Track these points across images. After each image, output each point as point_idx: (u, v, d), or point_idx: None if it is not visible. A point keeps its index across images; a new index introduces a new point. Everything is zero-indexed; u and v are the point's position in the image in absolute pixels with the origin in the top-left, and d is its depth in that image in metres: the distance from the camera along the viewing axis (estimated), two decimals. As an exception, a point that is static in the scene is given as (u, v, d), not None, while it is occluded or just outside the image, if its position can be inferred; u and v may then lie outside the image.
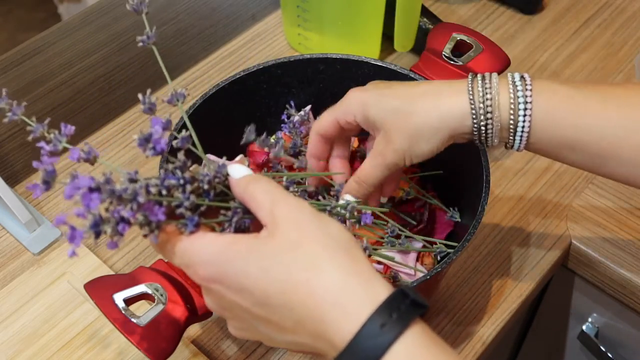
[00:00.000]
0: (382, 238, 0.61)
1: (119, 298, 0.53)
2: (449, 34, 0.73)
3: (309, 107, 0.70)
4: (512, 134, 0.50)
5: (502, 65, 0.73)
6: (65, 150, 0.43)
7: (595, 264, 0.72)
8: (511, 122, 0.50)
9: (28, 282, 0.69)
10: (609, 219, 0.73)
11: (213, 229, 0.43)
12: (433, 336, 0.37)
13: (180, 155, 0.41)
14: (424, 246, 0.62)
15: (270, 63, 0.67)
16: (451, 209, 0.63)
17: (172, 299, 0.53)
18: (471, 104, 0.50)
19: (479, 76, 0.51)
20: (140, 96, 0.44)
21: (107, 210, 0.38)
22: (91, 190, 0.37)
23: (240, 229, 0.44)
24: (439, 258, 0.62)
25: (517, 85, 0.49)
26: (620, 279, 0.70)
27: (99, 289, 0.53)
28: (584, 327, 0.83)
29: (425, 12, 0.88)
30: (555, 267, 0.73)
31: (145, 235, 0.40)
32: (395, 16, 0.80)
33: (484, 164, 0.59)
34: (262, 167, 0.68)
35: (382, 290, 0.37)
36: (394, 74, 0.66)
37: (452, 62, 0.70)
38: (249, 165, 0.48)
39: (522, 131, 0.50)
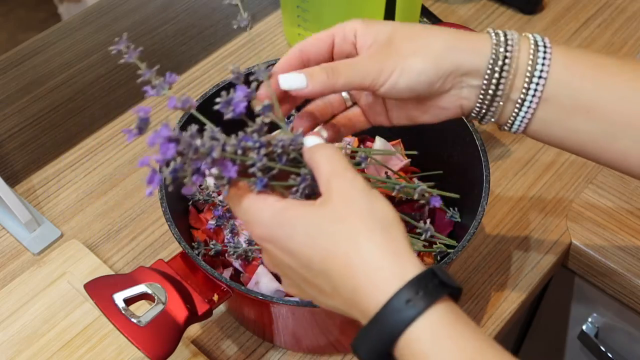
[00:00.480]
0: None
1: (119, 298, 0.53)
2: (449, 34, 0.73)
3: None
4: (527, 83, 0.46)
5: (502, 65, 0.73)
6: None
7: (595, 264, 0.72)
8: (529, 63, 0.46)
9: (28, 282, 0.69)
10: (609, 219, 0.74)
11: (282, 193, 0.45)
12: (459, 315, 0.39)
13: (258, 120, 0.44)
14: (424, 246, 0.62)
15: (270, 63, 0.67)
16: (451, 209, 0.63)
17: (172, 299, 0.53)
18: (493, 38, 0.46)
19: (500, 31, 0.48)
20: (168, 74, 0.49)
21: (184, 162, 0.41)
22: (170, 140, 0.40)
23: (308, 196, 0.46)
24: (439, 258, 0.62)
25: (536, 38, 0.47)
26: (620, 279, 0.70)
27: (99, 289, 0.53)
28: (584, 327, 0.83)
29: (425, 12, 0.88)
30: (555, 267, 0.73)
31: (219, 189, 0.43)
32: (395, 16, 0.80)
33: (484, 164, 0.59)
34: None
35: (413, 269, 0.39)
36: (394, 74, 0.66)
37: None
38: (327, 139, 0.49)
39: (540, 77, 0.45)
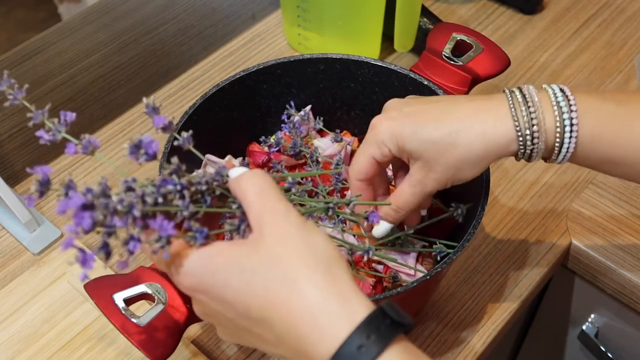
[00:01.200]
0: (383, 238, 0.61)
1: (119, 298, 0.53)
2: (449, 34, 0.73)
3: (309, 107, 0.70)
4: (556, 154, 0.50)
5: (502, 65, 0.73)
6: (64, 143, 0.42)
7: (595, 264, 0.72)
8: (557, 144, 0.49)
9: (28, 282, 0.69)
10: (609, 219, 0.73)
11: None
12: (415, 353, 0.37)
13: (174, 159, 0.40)
14: (424, 246, 0.62)
15: (270, 63, 0.67)
16: (456, 211, 0.63)
17: (172, 299, 0.53)
18: (517, 130, 0.49)
19: (518, 93, 0.49)
20: (144, 100, 0.43)
21: (102, 225, 0.37)
22: (84, 207, 0.36)
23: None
24: (439, 258, 0.62)
25: (561, 106, 0.48)
26: (620, 279, 0.70)
27: (99, 289, 0.53)
28: (584, 327, 0.83)
29: (425, 12, 0.88)
30: (555, 267, 0.73)
31: (153, 252, 0.39)
32: (395, 16, 0.80)
33: (484, 164, 0.59)
34: (262, 167, 0.68)
35: (361, 310, 0.37)
36: (394, 74, 0.66)
37: (452, 62, 0.70)
38: (248, 166, 0.48)
39: (567, 151, 0.49)
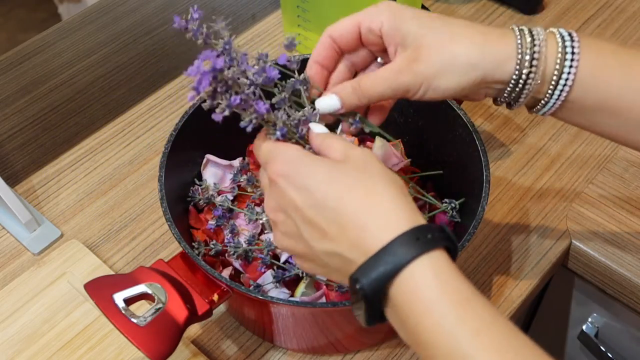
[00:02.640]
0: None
1: (119, 298, 0.53)
2: (449, 34, 0.73)
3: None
4: (552, 88, 0.48)
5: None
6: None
7: (595, 264, 0.72)
8: (555, 73, 0.47)
9: (28, 282, 0.69)
10: (609, 219, 0.73)
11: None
12: (456, 266, 0.41)
13: (286, 90, 0.49)
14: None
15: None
16: (450, 208, 0.63)
17: (172, 299, 0.53)
18: (518, 48, 0.47)
19: (524, 26, 0.48)
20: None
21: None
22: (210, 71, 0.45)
23: None
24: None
25: (564, 38, 0.47)
26: (620, 279, 0.70)
27: (99, 289, 0.53)
28: (584, 327, 0.83)
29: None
30: (555, 267, 0.73)
31: (244, 124, 0.46)
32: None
33: (484, 164, 0.59)
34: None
35: (423, 220, 0.41)
36: (394, 74, 0.66)
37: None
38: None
39: (565, 84, 0.47)
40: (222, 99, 0.45)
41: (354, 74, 0.53)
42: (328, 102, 0.50)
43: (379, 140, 0.68)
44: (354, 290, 0.41)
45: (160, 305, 0.53)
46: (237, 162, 0.68)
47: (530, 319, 0.91)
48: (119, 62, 0.92)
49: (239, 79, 0.46)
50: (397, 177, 0.43)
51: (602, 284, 0.73)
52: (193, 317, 0.54)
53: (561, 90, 0.48)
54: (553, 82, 0.47)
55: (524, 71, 0.47)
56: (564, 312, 0.85)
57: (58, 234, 0.74)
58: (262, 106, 0.46)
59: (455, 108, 0.63)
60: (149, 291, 0.54)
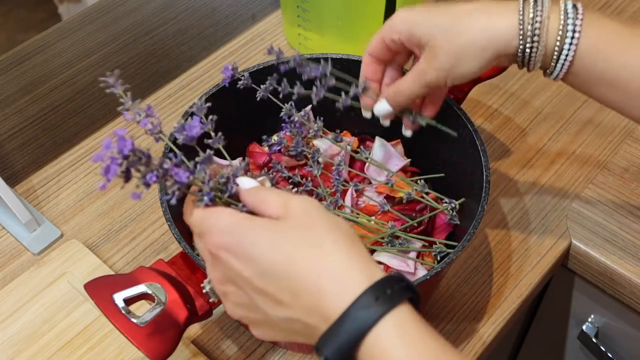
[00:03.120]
0: (383, 238, 0.61)
1: (119, 298, 0.53)
2: (449, 34, 0.73)
3: (309, 107, 0.70)
4: (554, 61, 0.51)
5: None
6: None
7: (595, 264, 0.72)
8: (556, 49, 0.50)
9: (28, 282, 0.69)
10: (609, 219, 0.73)
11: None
12: (421, 318, 0.39)
13: (207, 153, 0.47)
14: (423, 246, 0.62)
15: (270, 63, 0.67)
16: (449, 205, 0.63)
17: (172, 299, 0.53)
18: (520, 25, 0.50)
19: None
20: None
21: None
22: (124, 139, 0.43)
23: None
24: (439, 258, 0.62)
25: (568, 13, 0.50)
26: (620, 279, 0.70)
27: (99, 289, 0.53)
28: (584, 327, 0.83)
29: (425, 12, 0.88)
30: (555, 267, 0.73)
31: (167, 195, 0.44)
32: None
33: (484, 164, 0.59)
34: (262, 167, 0.68)
35: (379, 273, 0.40)
36: (394, 74, 0.66)
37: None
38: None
39: (565, 60, 0.50)
40: (137, 175, 0.43)
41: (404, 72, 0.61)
42: (381, 107, 0.59)
43: (378, 141, 0.68)
44: (321, 356, 0.39)
45: (160, 305, 0.53)
46: (237, 162, 0.68)
47: (530, 319, 0.91)
48: (119, 62, 0.92)
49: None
50: (343, 222, 0.42)
51: (602, 284, 0.73)
52: (193, 317, 0.54)
53: (562, 64, 0.51)
54: (555, 56, 0.51)
55: (527, 46, 0.51)
56: (564, 312, 0.85)
57: (58, 234, 0.74)
58: (183, 175, 0.44)
59: (455, 108, 0.63)
60: (149, 291, 0.53)
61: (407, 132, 0.62)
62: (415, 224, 0.63)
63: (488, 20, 0.51)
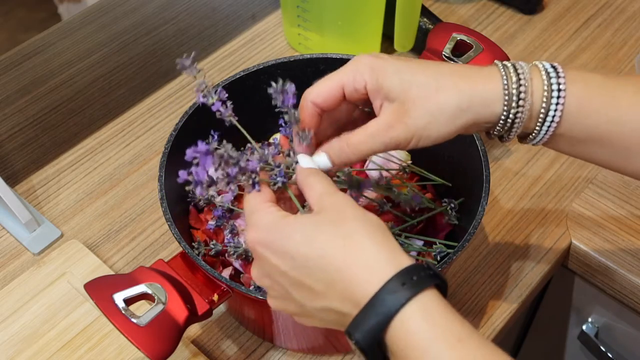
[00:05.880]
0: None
1: (119, 298, 0.53)
2: (449, 34, 0.73)
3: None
4: (539, 123, 0.48)
5: (502, 65, 0.73)
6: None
7: (595, 264, 0.72)
8: (542, 110, 0.47)
9: (28, 282, 0.69)
10: (609, 219, 0.73)
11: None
12: (447, 303, 0.41)
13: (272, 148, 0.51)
14: (423, 246, 0.62)
15: (270, 63, 0.67)
16: (449, 205, 0.63)
17: (172, 299, 0.53)
18: (504, 89, 0.47)
19: (509, 63, 0.48)
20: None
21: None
22: (207, 153, 0.46)
23: None
24: (439, 258, 0.62)
25: (549, 73, 0.47)
26: (620, 279, 0.70)
27: (99, 289, 0.53)
28: (584, 327, 0.83)
29: (425, 12, 0.88)
30: (555, 267, 0.73)
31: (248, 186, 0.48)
32: (395, 16, 0.80)
33: (484, 164, 0.59)
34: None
35: (407, 260, 0.41)
36: (394, 74, 0.66)
37: (452, 62, 0.70)
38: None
39: (552, 120, 0.48)
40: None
41: (338, 129, 0.53)
42: (319, 160, 0.50)
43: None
44: (351, 342, 0.41)
45: (160, 305, 0.53)
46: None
47: (530, 319, 0.91)
48: (119, 62, 0.92)
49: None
50: (373, 217, 0.44)
51: (602, 284, 0.73)
52: (193, 317, 0.54)
53: (549, 126, 0.48)
54: (540, 119, 0.48)
55: (512, 111, 0.47)
56: (564, 312, 0.85)
57: (58, 234, 0.74)
58: (255, 164, 0.48)
59: (455, 108, 0.63)
60: (149, 291, 0.53)
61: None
62: (415, 224, 0.63)
63: (470, 82, 0.47)
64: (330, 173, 0.54)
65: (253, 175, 0.48)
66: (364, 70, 0.48)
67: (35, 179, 0.80)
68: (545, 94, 0.47)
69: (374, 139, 0.48)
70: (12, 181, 0.80)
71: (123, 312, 0.52)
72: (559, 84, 0.47)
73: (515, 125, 0.48)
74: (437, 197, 0.68)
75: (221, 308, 0.68)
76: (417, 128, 0.47)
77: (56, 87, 0.90)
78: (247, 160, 0.48)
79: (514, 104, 0.47)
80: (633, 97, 0.47)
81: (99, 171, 0.81)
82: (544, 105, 0.47)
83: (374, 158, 0.66)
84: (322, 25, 0.85)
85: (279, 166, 0.50)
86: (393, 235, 0.43)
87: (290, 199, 0.50)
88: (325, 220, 0.43)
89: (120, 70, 0.91)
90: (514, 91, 0.47)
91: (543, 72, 0.47)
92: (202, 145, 0.46)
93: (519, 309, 0.69)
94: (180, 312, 0.53)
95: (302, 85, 0.69)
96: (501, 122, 0.48)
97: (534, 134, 0.49)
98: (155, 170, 0.78)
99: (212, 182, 0.46)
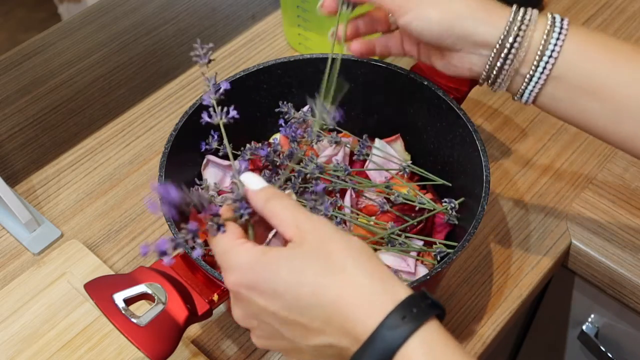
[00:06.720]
0: (383, 238, 0.61)
1: (119, 298, 0.53)
2: (449, 34, 0.73)
3: (307, 107, 0.70)
4: (537, 58, 0.48)
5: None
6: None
7: (595, 264, 0.72)
8: (541, 44, 0.48)
9: (28, 282, 0.69)
10: (609, 219, 0.74)
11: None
12: (448, 334, 0.40)
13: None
14: (424, 246, 0.62)
15: (270, 63, 0.67)
16: (449, 205, 0.63)
17: (172, 299, 0.53)
18: (510, 15, 0.49)
19: (522, 8, 0.50)
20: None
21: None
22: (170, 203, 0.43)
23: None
24: (439, 258, 0.62)
25: (555, 17, 0.49)
26: (620, 279, 0.70)
27: (99, 289, 0.53)
28: (584, 327, 0.83)
29: (425, 12, 0.88)
30: (555, 267, 0.73)
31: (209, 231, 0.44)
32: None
33: (484, 164, 0.59)
34: (262, 168, 0.68)
35: (403, 291, 0.40)
36: (394, 74, 0.66)
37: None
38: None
39: (550, 55, 0.48)
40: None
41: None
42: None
43: (378, 142, 0.68)
44: None
45: (160, 305, 0.53)
46: (236, 163, 0.68)
47: (530, 319, 0.91)
48: (119, 62, 0.92)
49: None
50: (357, 241, 0.42)
51: (602, 284, 0.73)
52: (193, 317, 0.54)
53: (546, 62, 0.48)
54: (539, 53, 0.48)
55: (512, 34, 0.48)
56: (564, 312, 0.85)
57: (58, 234, 0.74)
58: (215, 209, 0.44)
59: (456, 108, 0.63)
60: (149, 291, 0.53)
61: (331, 38, 0.59)
62: (415, 224, 0.63)
63: (483, 2, 0.50)
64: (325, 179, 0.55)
65: (215, 219, 0.44)
66: None
67: (35, 179, 0.80)
68: (547, 29, 0.49)
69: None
70: (12, 181, 0.80)
71: (123, 312, 0.52)
72: (561, 26, 0.49)
73: (510, 58, 0.49)
74: (437, 197, 0.68)
75: (221, 308, 0.68)
76: (420, 3, 0.49)
77: (56, 87, 0.90)
78: (210, 203, 0.44)
79: (515, 28, 0.48)
80: (631, 54, 0.48)
81: (99, 171, 0.81)
82: (544, 39, 0.48)
83: (374, 158, 0.66)
84: (322, 25, 0.85)
85: (241, 199, 0.46)
86: (379, 259, 0.42)
87: (261, 224, 0.46)
88: (312, 254, 0.41)
89: (120, 70, 0.91)
90: (519, 18, 0.49)
91: (549, 16, 0.50)
92: (169, 193, 0.42)
93: (519, 309, 0.69)
94: (180, 312, 0.53)
95: (302, 85, 0.70)
96: (497, 46, 0.49)
97: (529, 75, 0.49)
98: (155, 170, 0.78)
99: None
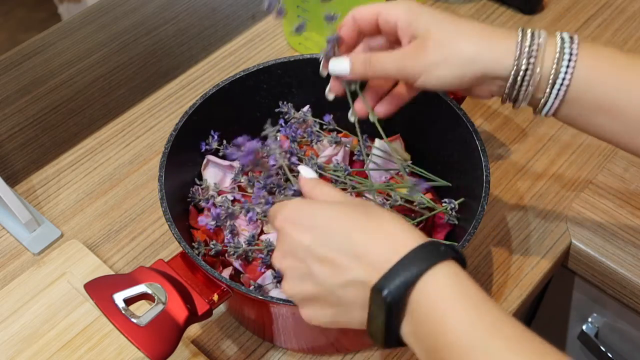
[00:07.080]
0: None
1: (119, 298, 0.53)
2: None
3: (307, 107, 0.70)
4: (550, 86, 0.50)
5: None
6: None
7: (595, 264, 0.72)
8: (552, 72, 0.50)
9: (28, 282, 0.69)
10: (609, 219, 0.73)
11: None
12: (467, 274, 0.42)
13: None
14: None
15: (270, 63, 0.67)
16: (449, 205, 0.63)
17: (172, 299, 0.53)
18: (518, 44, 0.50)
19: (528, 28, 0.51)
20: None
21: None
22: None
23: None
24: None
25: (564, 40, 0.50)
26: (620, 279, 0.70)
27: (99, 289, 0.53)
28: (584, 327, 0.83)
29: (425, 12, 0.88)
30: (555, 267, 0.73)
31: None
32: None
33: (484, 164, 0.59)
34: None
35: (429, 239, 0.44)
36: (394, 74, 0.66)
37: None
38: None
39: (562, 83, 0.50)
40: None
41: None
42: (340, 64, 0.55)
43: (378, 142, 0.68)
44: (376, 301, 0.42)
45: (160, 305, 0.53)
46: (237, 163, 0.68)
47: (530, 319, 0.91)
48: (119, 62, 0.92)
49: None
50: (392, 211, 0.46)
51: (602, 284, 0.73)
52: (193, 317, 0.54)
53: (559, 90, 0.50)
54: (551, 80, 0.50)
55: (522, 67, 0.50)
56: (564, 312, 0.85)
57: (58, 234, 0.74)
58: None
59: (455, 108, 0.63)
60: (149, 291, 0.53)
61: (352, 118, 0.60)
62: (415, 224, 0.63)
63: (489, 35, 0.51)
64: (327, 177, 0.58)
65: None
66: (401, 9, 0.53)
67: (35, 179, 0.80)
68: (557, 55, 0.49)
69: (391, 61, 0.53)
70: (12, 181, 0.80)
71: (123, 312, 0.52)
72: (571, 48, 0.49)
73: (524, 85, 0.51)
74: (437, 197, 0.68)
75: (221, 308, 0.68)
76: (429, 64, 0.51)
77: (56, 87, 0.90)
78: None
79: (524, 60, 0.50)
80: None
81: (99, 171, 0.81)
82: (554, 66, 0.49)
83: (374, 158, 0.66)
84: (322, 25, 0.85)
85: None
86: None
87: None
88: (351, 205, 0.46)
89: (120, 70, 0.91)
90: (527, 48, 0.50)
91: (558, 38, 0.50)
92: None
93: (519, 309, 0.69)
94: (180, 312, 0.53)
95: (302, 85, 0.70)
96: (511, 79, 0.51)
97: (544, 99, 0.51)
98: (155, 170, 0.78)
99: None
